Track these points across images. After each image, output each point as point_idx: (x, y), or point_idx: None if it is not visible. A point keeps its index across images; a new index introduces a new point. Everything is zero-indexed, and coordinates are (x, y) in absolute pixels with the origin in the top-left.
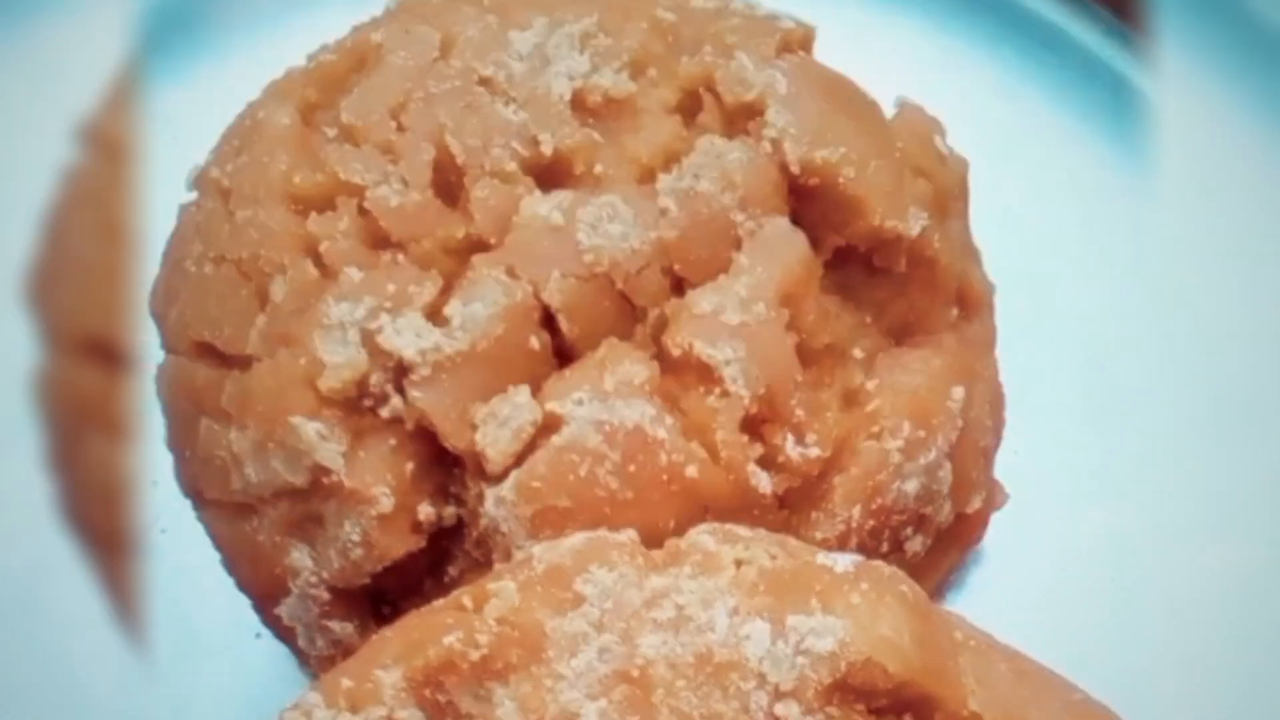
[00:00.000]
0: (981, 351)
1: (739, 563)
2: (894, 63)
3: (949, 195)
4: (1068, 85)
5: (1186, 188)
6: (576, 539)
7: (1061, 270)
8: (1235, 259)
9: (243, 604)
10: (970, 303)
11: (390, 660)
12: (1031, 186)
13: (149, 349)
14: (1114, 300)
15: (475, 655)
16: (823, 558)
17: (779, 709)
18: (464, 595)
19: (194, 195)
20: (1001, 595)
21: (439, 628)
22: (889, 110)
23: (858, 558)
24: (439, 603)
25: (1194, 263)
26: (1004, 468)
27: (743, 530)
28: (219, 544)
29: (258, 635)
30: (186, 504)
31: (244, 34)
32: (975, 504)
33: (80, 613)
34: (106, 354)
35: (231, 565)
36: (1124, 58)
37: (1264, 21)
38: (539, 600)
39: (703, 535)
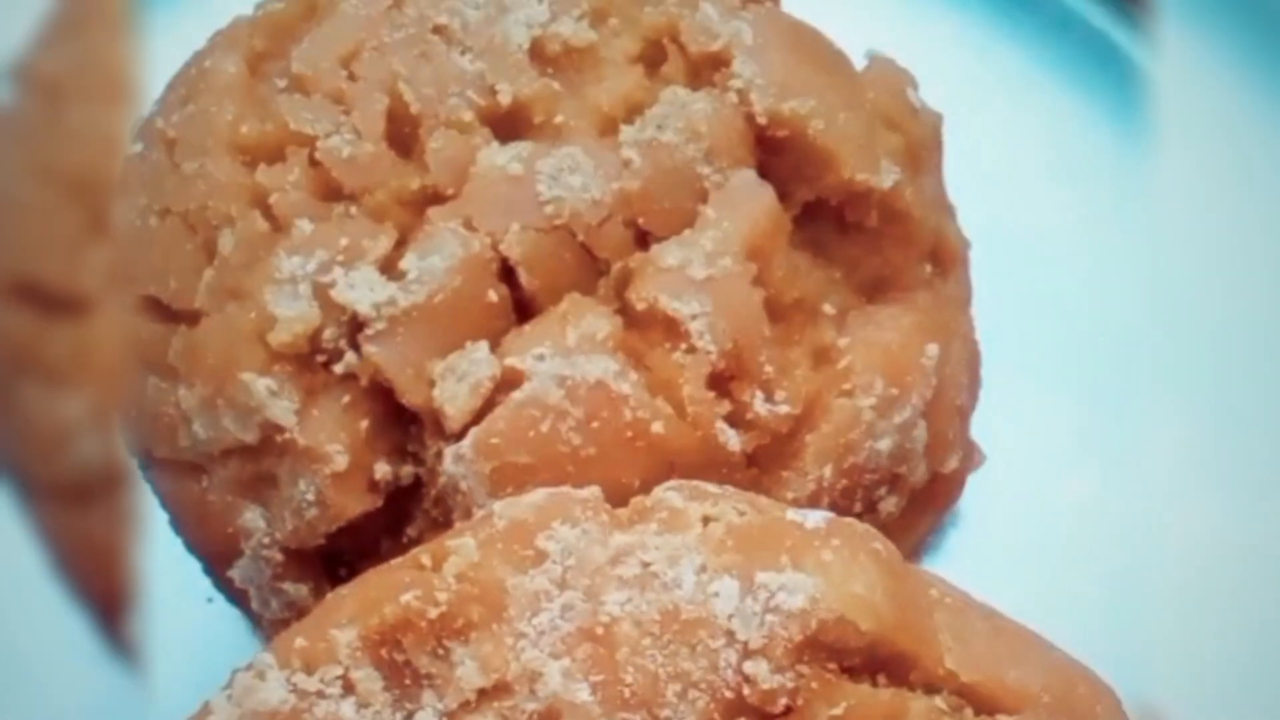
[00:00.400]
0: (956, 309)
1: (706, 519)
2: (862, 15)
3: (922, 148)
4: (1040, 39)
5: (1176, 147)
6: (539, 495)
7: (1038, 227)
8: (1216, 216)
9: (193, 567)
10: (945, 259)
11: (346, 619)
12: (1006, 142)
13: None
14: (1092, 257)
15: (434, 613)
16: (793, 514)
17: (748, 667)
18: (422, 553)
19: (139, 146)
20: (979, 557)
21: (396, 585)
22: (859, 63)
23: (829, 514)
24: (396, 561)
25: (1173, 217)
26: (981, 428)
27: (711, 487)
28: (167, 504)
29: (209, 599)
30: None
31: None
32: (951, 464)
33: (20, 569)
34: (38, 297)
35: (181, 526)
36: (1098, 12)
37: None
38: (500, 557)
39: (669, 492)
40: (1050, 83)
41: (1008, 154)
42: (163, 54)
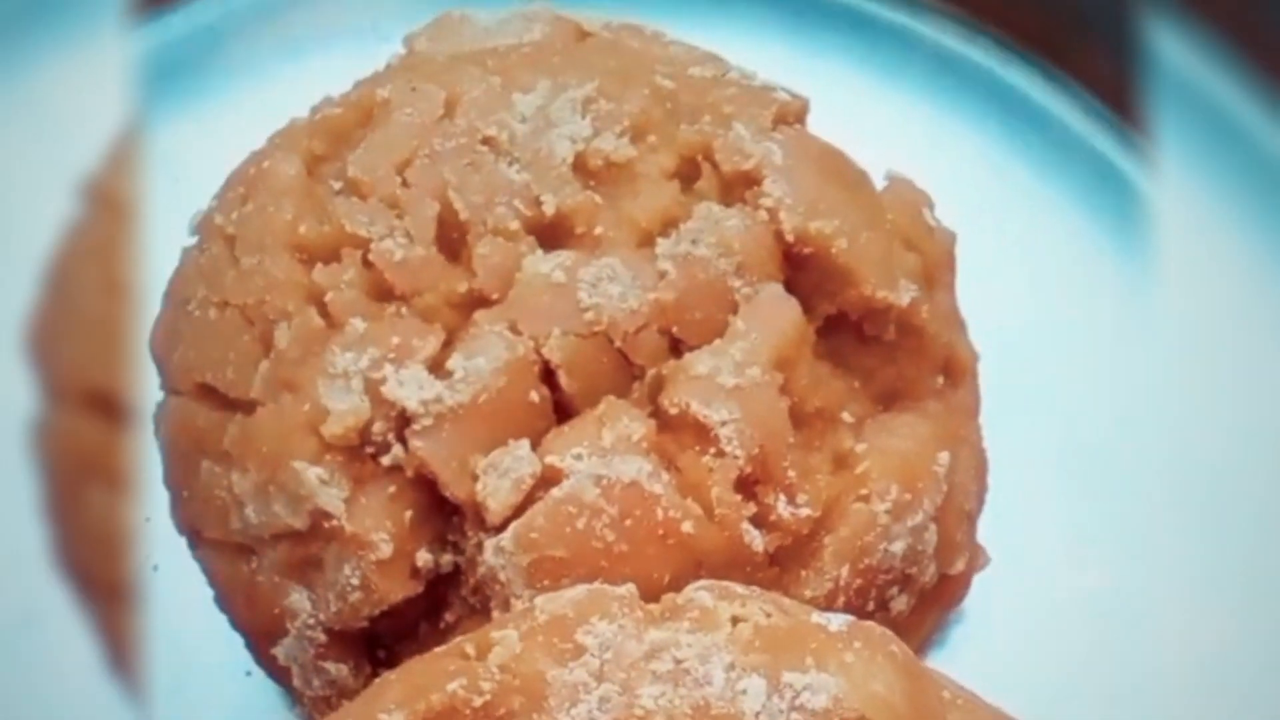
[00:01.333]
0: (966, 418)
1: (735, 619)
2: (883, 135)
3: (937, 266)
4: (1051, 163)
5: (1173, 266)
6: (578, 591)
7: (1044, 340)
8: (1216, 335)
9: (234, 641)
10: (956, 371)
11: (393, 704)
12: (1015, 260)
13: (148, 392)
14: (1094, 370)
15: (478, 702)
16: (817, 617)
17: None
18: (466, 643)
19: (195, 239)
20: (981, 653)
21: (442, 674)
22: (879, 182)
23: (850, 618)
24: (441, 649)
25: (1173, 336)
26: (986, 531)
27: (739, 588)
28: (216, 582)
29: (248, 673)
30: (180, 541)
31: (244, 78)
32: (959, 565)
33: (72, 661)
34: (107, 406)
35: (228, 604)
36: (1104, 138)
37: (1263, 147)
38: (541, 649)
39: (700, 592)
40: (1056, 203)
41: (1016, 271)
42: (215, 144)
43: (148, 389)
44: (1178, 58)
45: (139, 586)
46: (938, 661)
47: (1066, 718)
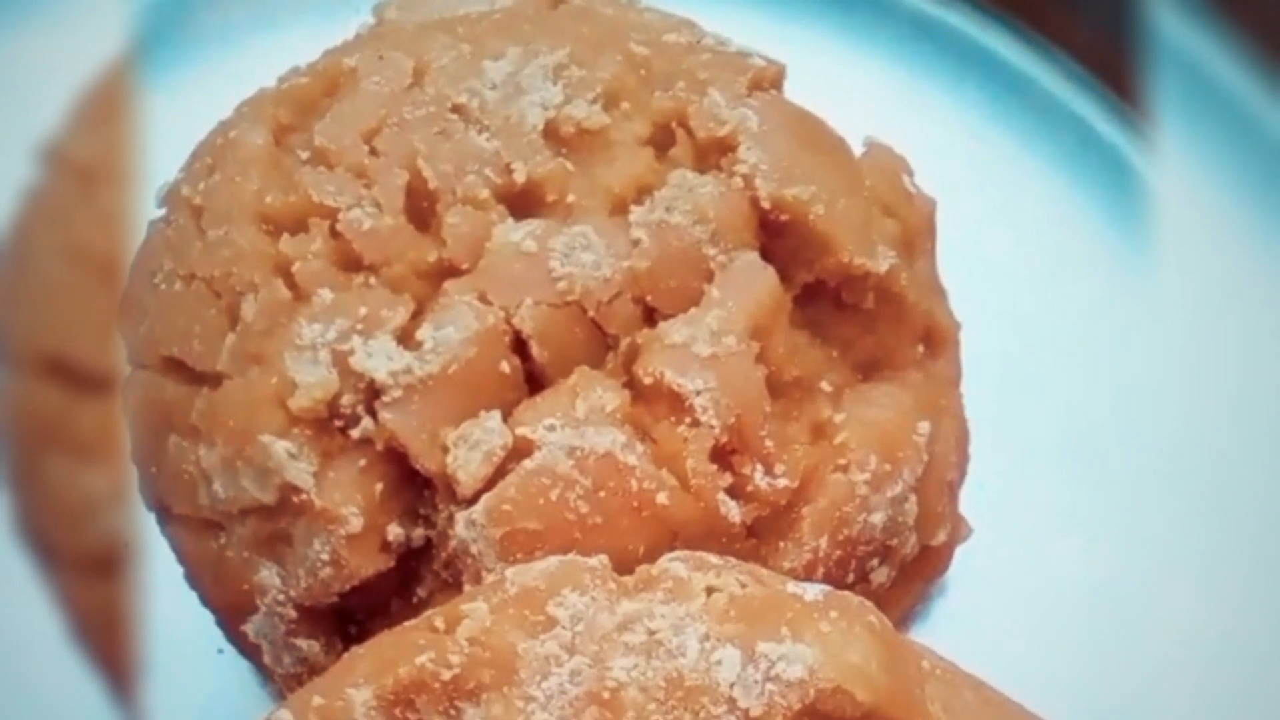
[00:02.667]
0: (947, 388)
1: (710, 590)
2: (860, 101)
3: (916, 234)
4: (1031, 128)
5: (1167, 242)
6: (549, 562)
7: (1024, 308)
8: (1202, 303)
9: (205, 619)
10: (936, 340)
11: (361, 679)
12: (996, 227)
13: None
14: (1078, 340)
15: (447, 675)
16: (793, 587)
17: None
18: (436, 616)
19: (162, 211)
20: (963, 626)
21: (411, 647)
22: (857, 148)
23: (827, 588)
24: (411, 623)
25: (1161, 304)
26: (968, 502)
27: (713, 558)
28: (185, 559)
29: (220, 650)
30: (149, 517)
31: (215, 48)
32: (940, 537)
33: (37, 631)
34: (68, 374)
35: (197, 581)
36: (1085, 103)
37: (1265, 128)
38: (511, 622)
39: (674, 562)
40: (1041, 170)
41: (997, 238)
42: (181, 116)
43: (118, 361)
44: (1175, 33)
45: (117, 555)
46: (919, 634)
47: (1047, 690)
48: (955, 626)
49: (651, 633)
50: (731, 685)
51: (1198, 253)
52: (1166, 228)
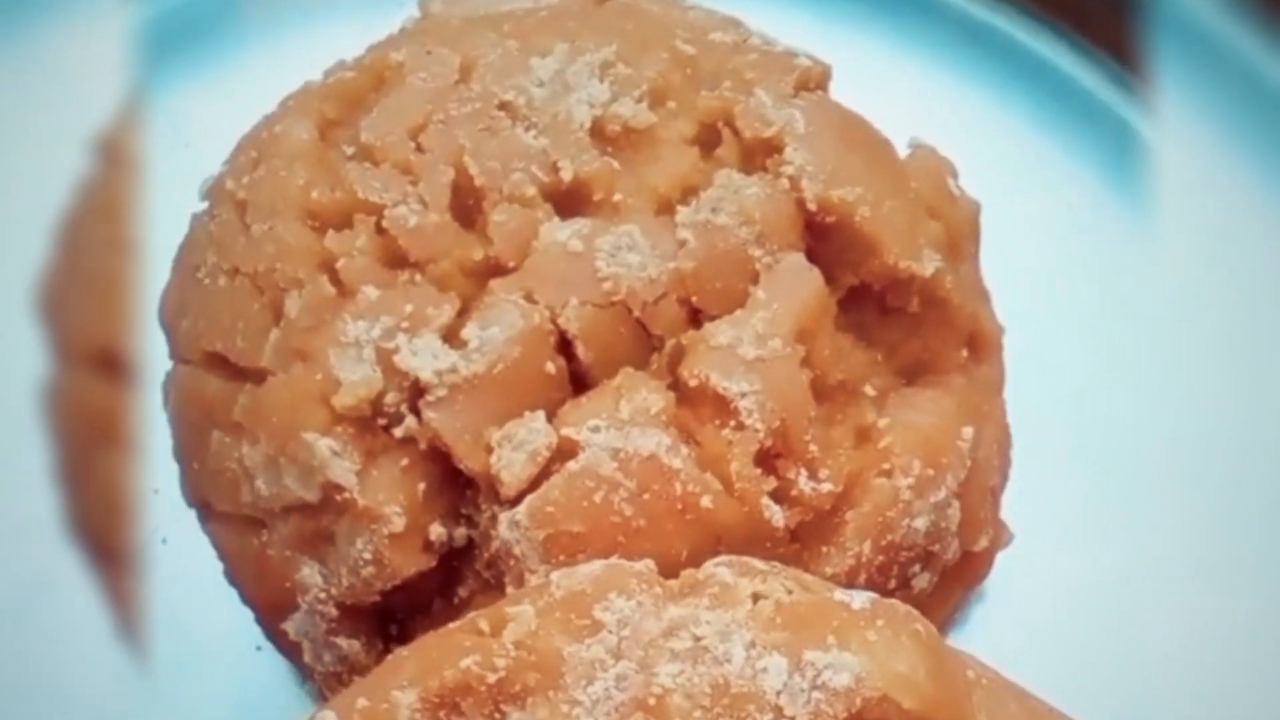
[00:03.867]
0: (990, 393)
1: (756, 596)
2: (905, 103)
3: (961, 236)
4: (1075, 131)
5: (1184, 235)
6: (594, 566)
7: (1067, 314)
8: (1232, 304)
9: (243, 616)
10: (980, 344)
11: (406, 681)
12: (1037, 230)
13: (156, 359)
14: (1119, 343)
15: (492, 678)
16: (839, 594)
17: None
18: (481, 618)
19: (205, 204)
20: (1002, 632)
21: (456, 650)
22: (902, 150)
23: (873, 595)
24: (455, 625)
25: (1192, 308)
26: (1008, 507)
27: (759, 564)
28: (226, 556)
29: (258, 648)
30: (189, 514)
31: (257, 42)
32: (982, 543)
33: (81, 626)
34: (118, 368)
35: (238, 578)
36: (1132, 107)
37: (1263, 77)
38: (557, 626)
39: (720, 567)
40: (1080, 173)
41: (1038, 241)
42: (227, 109)
43: (156, 355)
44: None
45: (140, 552)
46: (958, 640)
47: (1086, 697)
48: (993, 631)
49: (697, 639)
50: (778, 693)
51: (1248, 263)
52: (1166, 193)
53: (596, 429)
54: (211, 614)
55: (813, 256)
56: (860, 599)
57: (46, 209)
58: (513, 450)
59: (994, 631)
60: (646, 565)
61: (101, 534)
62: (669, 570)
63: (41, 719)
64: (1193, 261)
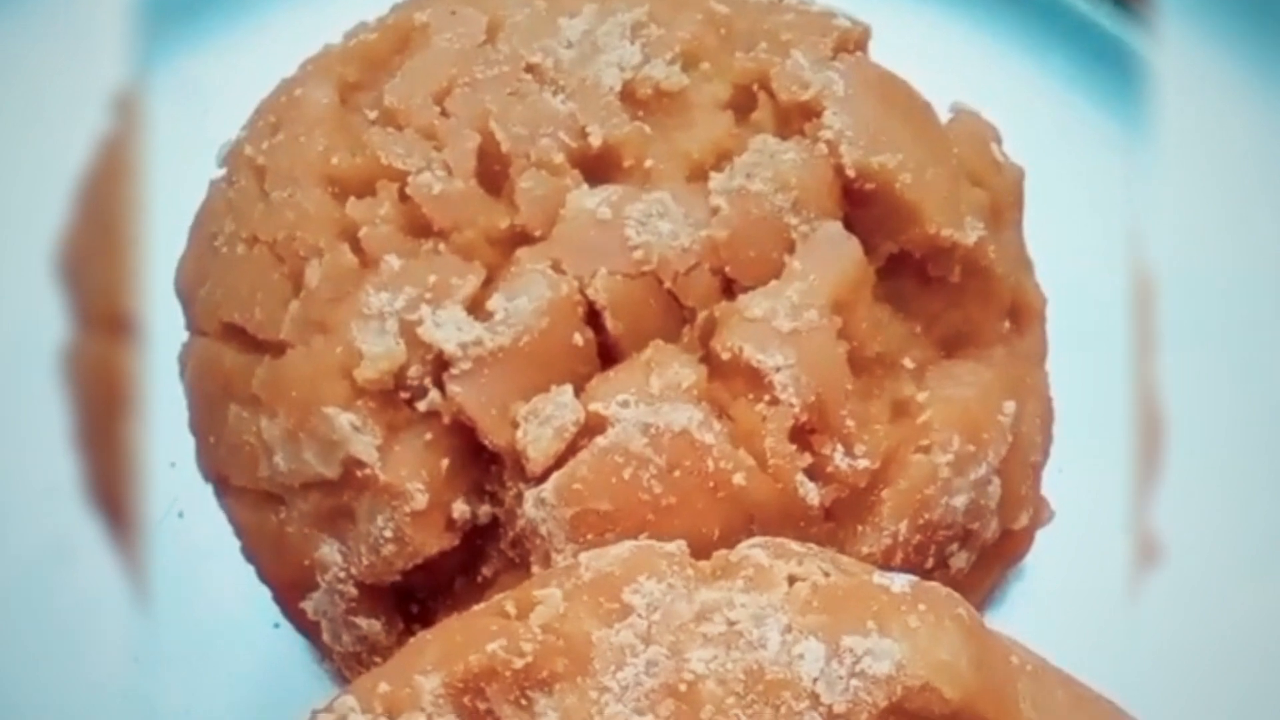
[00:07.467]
0: (1033, 365)
1: (792, 579)
2: (944, 66)
3: (1004, 204)
4: (1117, 94)
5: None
6: (624, 547)
7: (1109, 284)
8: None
9: (260, 592)
10: (1023, 315)
11: (430, 665)
12: (1081, 199)
13: (174, 327)
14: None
15: (519, 663)
16: (879, 577)
17: None
18: (507, 601)
19: (223, 171)
20: (1040, 610)
21: (482, 633)
22: (943, 114)
23: (913, 578)
24: (481, 607)
25: (1243, 276)
26: (1047, 483)
27: (795, 545)
28: (243, 532)
29: (276, 625)
30: (206, 488)
31: (276, 4)
32: (1022, 521)
33: (97, 595)
34: (138, 332)
35: (255, 555)
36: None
37: None
38: (586, 610)
39: (754, 549)
40: (1121, 138)
41: (1080, 208)
42: (246, 72)
43: (174, 323)
44: None
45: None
46: (996, 619)
47: (1125, 678)
48: (1030, 610)
49: (731, 623)
50: (814, 680)
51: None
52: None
53: (626, 404)
54: (228, 590)
55: (850, 224)
56: (900, 582)
57: (67, 171)
58: (539, 425)
59: (1032, 610)
60: (678, 546)
61: (120, 501)
62: (700, 550)
63: (54, 689)
64: (1240, 229)
